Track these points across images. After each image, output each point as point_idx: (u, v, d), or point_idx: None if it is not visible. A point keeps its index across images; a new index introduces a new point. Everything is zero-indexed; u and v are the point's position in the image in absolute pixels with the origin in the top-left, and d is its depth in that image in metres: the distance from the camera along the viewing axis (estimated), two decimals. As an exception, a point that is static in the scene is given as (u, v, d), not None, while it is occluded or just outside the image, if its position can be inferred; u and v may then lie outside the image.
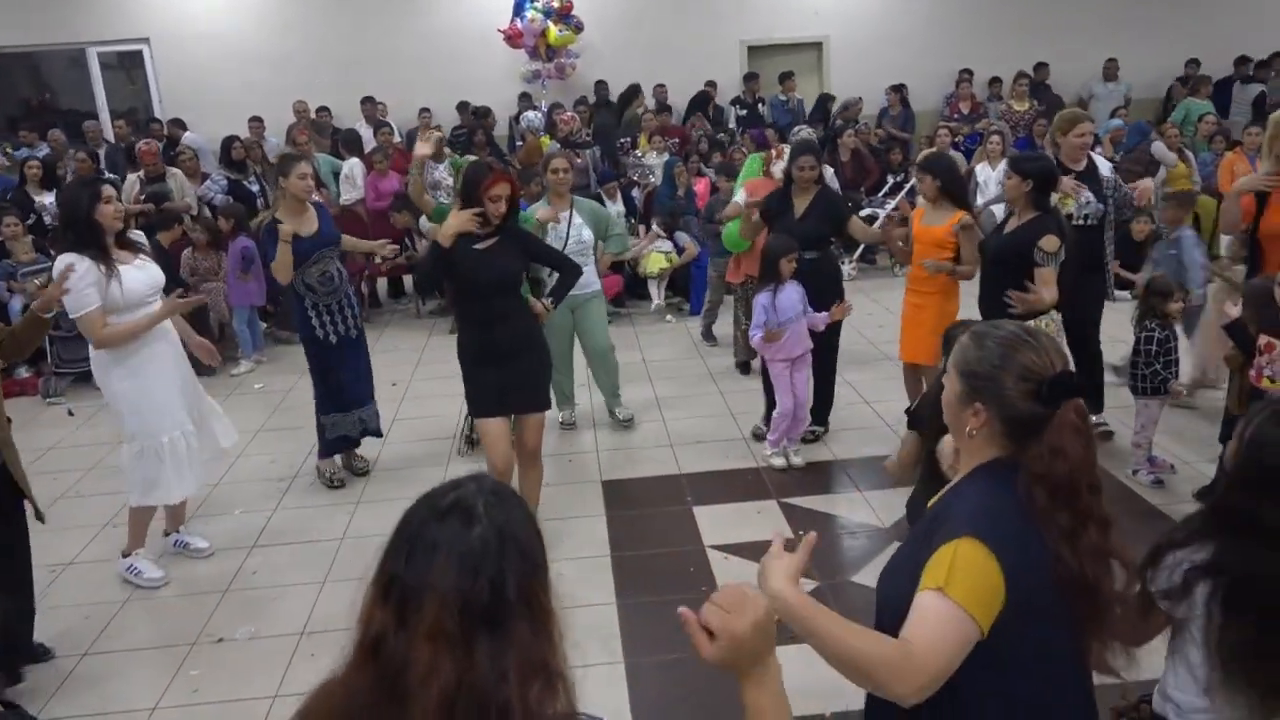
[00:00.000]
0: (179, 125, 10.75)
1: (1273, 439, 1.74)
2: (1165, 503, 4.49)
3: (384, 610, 1.17)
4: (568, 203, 5.55)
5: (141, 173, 8.50)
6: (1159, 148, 9.14)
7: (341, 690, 1.20)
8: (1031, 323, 4.25)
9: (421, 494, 1.27)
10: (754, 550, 4.21)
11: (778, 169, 6.02)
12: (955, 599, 1.50)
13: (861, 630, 1.53)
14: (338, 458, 5.30)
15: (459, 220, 3.90)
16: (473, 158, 7.45)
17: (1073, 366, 1.65)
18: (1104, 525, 1.60)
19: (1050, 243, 4.29)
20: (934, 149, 9.01)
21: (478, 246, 3.97)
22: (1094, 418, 4.94)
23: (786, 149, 6.09)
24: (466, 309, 4.14)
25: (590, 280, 5.57)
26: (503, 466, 4.13)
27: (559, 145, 9.34)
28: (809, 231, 5.11)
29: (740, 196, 6.20)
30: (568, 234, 5.48)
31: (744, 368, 6.75)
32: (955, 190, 4.99)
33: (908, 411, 3.51)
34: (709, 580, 4.03)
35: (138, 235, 4.39)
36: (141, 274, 4.07)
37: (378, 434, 5.42)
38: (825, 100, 11.55)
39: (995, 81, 11.64)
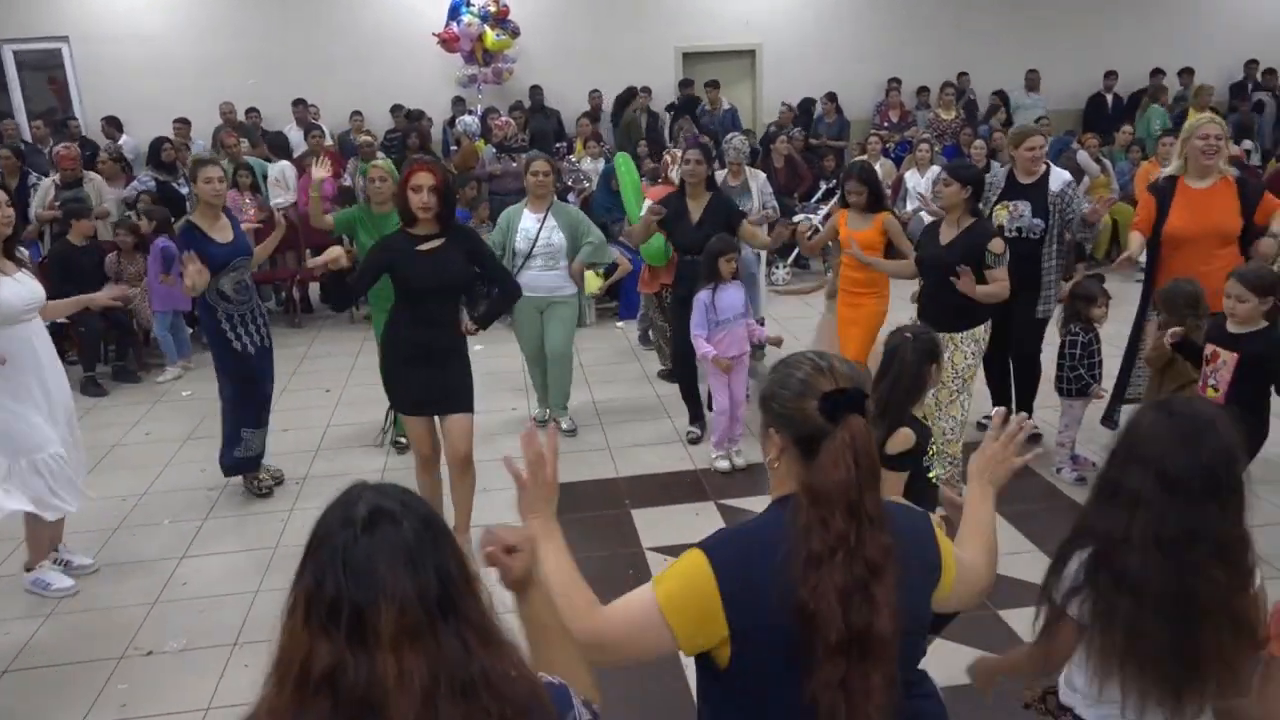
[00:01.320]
0: (115, 126, 10.42)
1: (1146, 421, 1.87)
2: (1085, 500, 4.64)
3: (333, 639, 1.14)
4: (546, 205, 5.55)
5: (57, 177, 8.14)
6: (1083, 157, 9.47)
7: None
8: (981, 327, 4.41)
9: (323, 516, 1.25)
10: (692, 552, 4.26)
11: (675, 174, 6.15)
12: (656, 594, 1.58)
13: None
14: (267, 466, 5.17)
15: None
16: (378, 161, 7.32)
17: (867, 389, 1.60)
18: (862, 567, 1.48)
19: (997, 244, 4.41)
20: (863, 156, 9.20)
21: (421, 247, 3.89)
22: (1028, 420, 5.12)
23: (678, 154, 6.30)
24: (401, 308, 4.03)
25: (562, 284, 5.59)
26: (428, 453, 4.19)
27: (494, 150, 9.32)
28: (705, 236, 5.17)
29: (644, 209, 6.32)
30: (537, 236, 5.48)
31: (669, 375, 6.80)
32: (878, 196, 5.26)
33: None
34: (648, 581, 4.05)
35: (22, 251, 4.24)
36: (21, 289, 3.89)
37: (258, 465, 5.13)
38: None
39: (923, 90, 11.91)
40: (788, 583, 1.47)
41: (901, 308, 5.44)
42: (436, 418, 4.15)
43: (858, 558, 1.47)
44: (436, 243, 3.91)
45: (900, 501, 1.75)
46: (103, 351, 7.33)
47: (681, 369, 5.63)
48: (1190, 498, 1.76)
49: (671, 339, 5.71)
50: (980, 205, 4.73)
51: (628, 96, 11.33)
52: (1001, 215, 4.98)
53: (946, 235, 4.57)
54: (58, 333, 7.03)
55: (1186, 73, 12.06)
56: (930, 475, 2.97)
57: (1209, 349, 3.89)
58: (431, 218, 3.88)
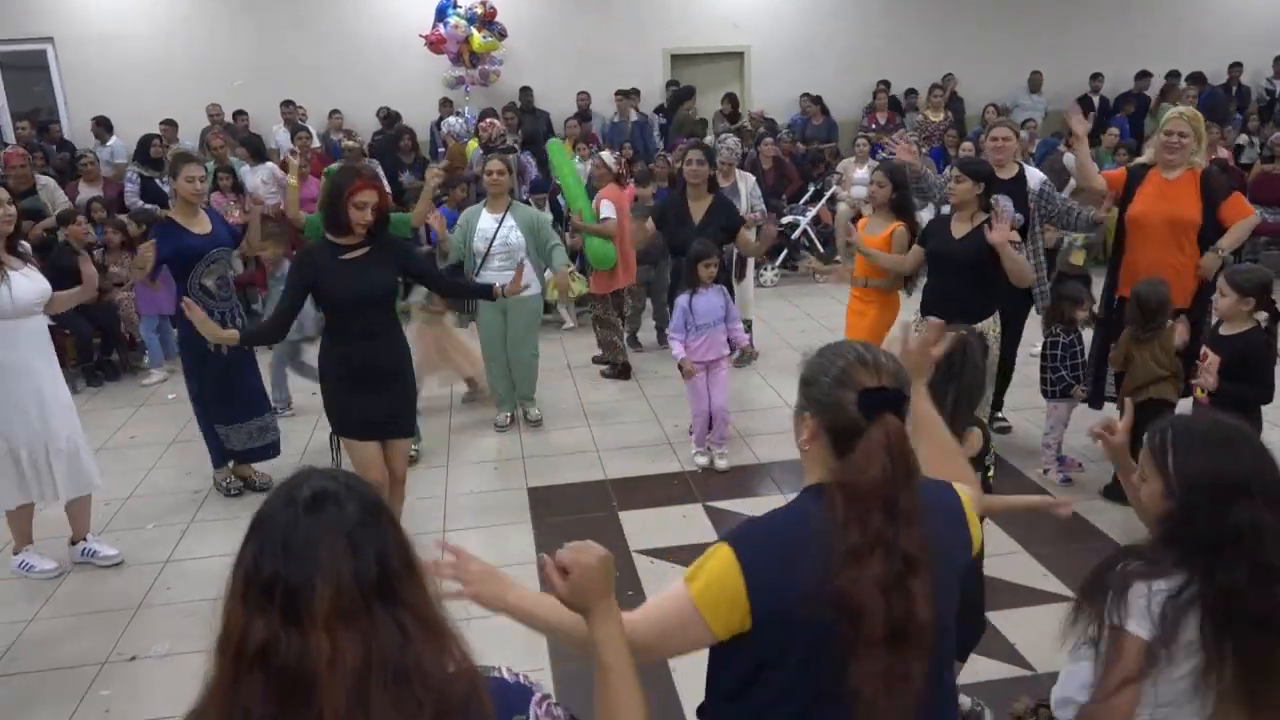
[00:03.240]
0: (105, 127, 10.34)
1: (1202, 457, 1.78)
2: (1074, 500, 4.65)
3: (267, 615, 1.15)
4: (504, 205, 5.56)
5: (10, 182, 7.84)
6: (1070, 158, 9.48)
7: (222, 712, 1.16)
8: (981, 325, 4.41)
9: (268, 496, 1.26)
10: (680, 554, 4.25)
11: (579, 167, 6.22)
12: (691, 591, 1.57)
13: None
14: (231, 464, 5.15)
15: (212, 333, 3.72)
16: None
17: (906, 388, 1.59)
18: (900, 561, 1.49)
19: (1015, 234, 4.46)
20: (851, 158, 9.22)
21: (345, 257, 3.73)
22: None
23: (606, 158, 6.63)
24: (332, 323, 3.84)
25: (525, 281, 5.56)
26: (380, 478, 3.93)
27: (482, 151, 9.30)
28: (707, 237, 5.17)
29: (609, 210, 6.32)
30: (495, 235, 5.48)
31: (613, 374, 6.81)
32: (904, 203, 5.09)
33: None
34: (635, 584, 4.05)
35: (25, 246, 4.26)
36: (29, 282, 3.99)
37: (275, 452, 5.18)
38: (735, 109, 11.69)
39: (911, 93, 11.93)
40: (823, 575, 1.48)
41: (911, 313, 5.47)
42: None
43: (895, 553, 1.49)
44: (360, 252, 3.75)
45: (928, 479, 1.72)
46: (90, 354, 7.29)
47: None
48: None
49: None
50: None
51: (683, 95, 11.33)
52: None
53: (959, 230, 4.55)
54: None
55: (1173, 75, 12.13)
56: (989, 475, 2.98)
57: (1203, 350, 3.91)
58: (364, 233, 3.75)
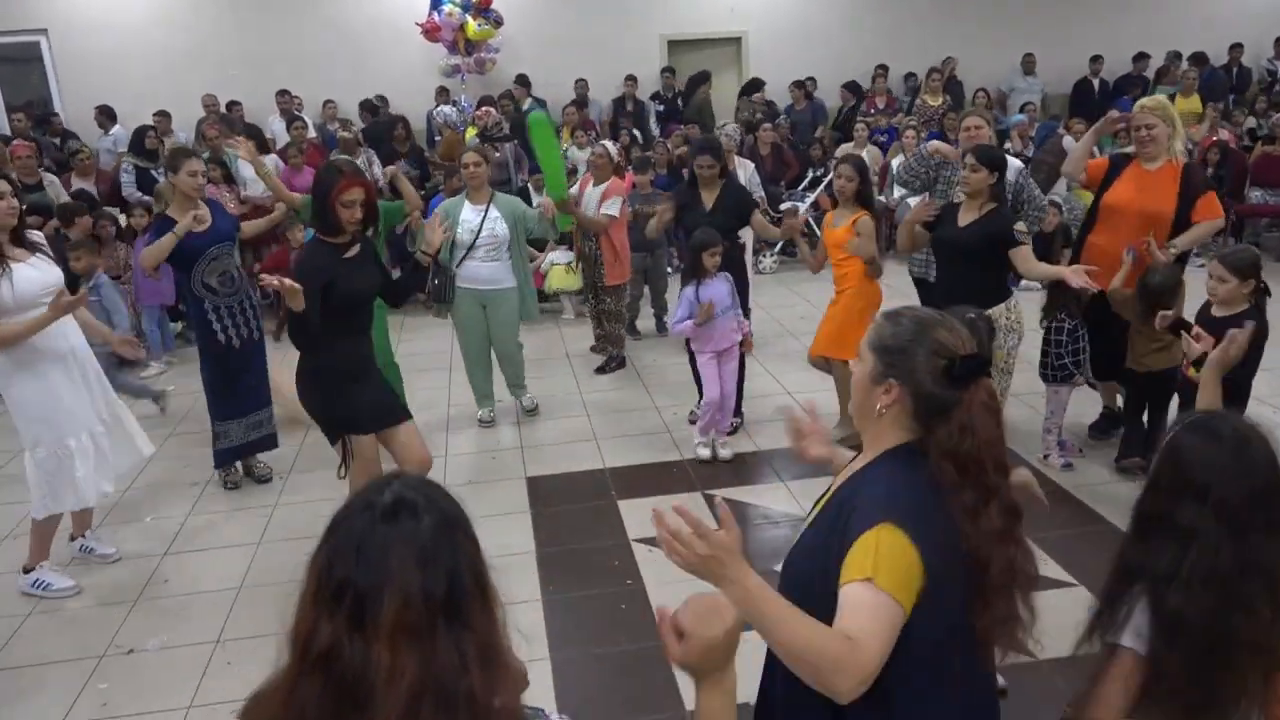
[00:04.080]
0: (109, 116, 10.27)
1: (1189, 445, 1.76)
2: (1077, 485, 4.64)
3: (334, 620, 1.14)
4: (486, 196, 5.54)
5: (15, 177, 7.49)
6: (1069, 142, 9.44)
7: (283, 705, 1.17)
8: (992, 310, 4.37)
9: (349, 499, 1.25)
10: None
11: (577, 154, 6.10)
12: (884, 588, 1.51)
13: (812, 621, 1.51)
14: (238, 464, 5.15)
15: (285, 286, 3.45)
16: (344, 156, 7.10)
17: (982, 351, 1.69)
18: (1009, 511, 1.62)
19: (1022, 225, 4.45)
20: (850, 144, 9.17)
21: (346, 256, 3.73)
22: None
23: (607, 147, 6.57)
24: (337, 323, 3.69)
25: (503, 276, 5.57)
26: (379, 471, 3.86)
27: (477, 140, 9.25)
28: (719, 224, 5.14)
29: (614, 208, 6.33)
30: (481, 227, 5.46)
31: (618, 362, 6.81)
32: (867, 194, 5.11)
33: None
34: (634, 574, 4.04)
35: (36, 235, 4.13)
36: (36, 273, 3.87)
37: (274, 444, 5.18)
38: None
39: (910, 76, 11.87)
40: (953, 531, 1.59)
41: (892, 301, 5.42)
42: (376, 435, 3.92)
43: (1005, 505, 1.61)
44: (354, 250, 3.79)
45: None
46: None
47: (693, 354, 5.59)
48: (1250, 529, 1.67)
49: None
50: (1004, 191, 4.67)
51: (699, 79, 11.31)
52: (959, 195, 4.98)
53: (965, 218, 4.49)
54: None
55: (1174, 56, 12.07)
56: None
57: (1195, 330, 3.88)
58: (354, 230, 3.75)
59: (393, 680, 1.12)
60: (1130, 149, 4.86)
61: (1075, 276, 4.16)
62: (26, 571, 4.14)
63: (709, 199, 5.33)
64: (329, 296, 3.64)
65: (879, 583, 1.51)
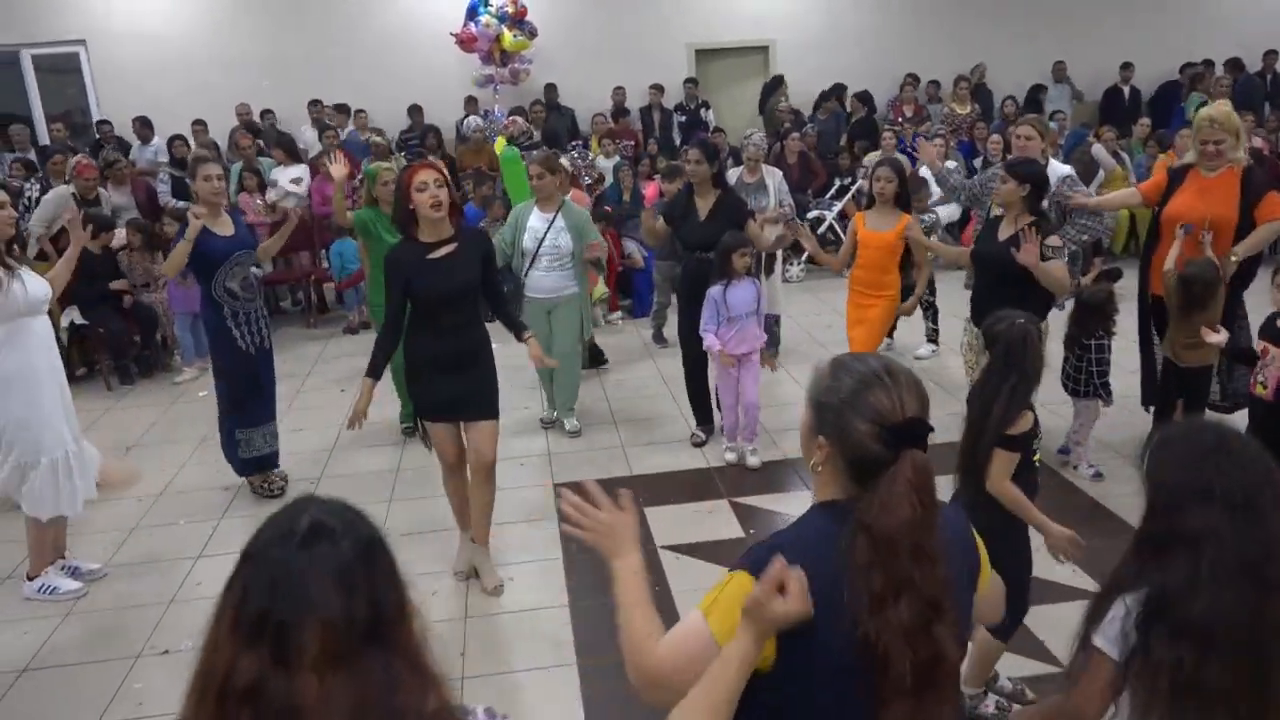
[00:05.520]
0: (148, 127, 10.41)
1: (1174, 457, 1.76)
2: (1105, 495, 4.61)
3: (255, 653, 1.11)
4: (554, 206, 5.59)
5: (74, 189, 7.64)
6: (1099, 150, 9.38)
7: None
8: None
9: (262, 525, 1.22)
10: (706, 550, 4.25)
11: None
12: (711, 627, 1.50)
13: (650, 616, 1.60)
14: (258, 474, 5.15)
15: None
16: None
17: (925, 416, 1.51)
18: (927, 606, 1.42)
19: (1054, 240, 4.31)
20: (877, 152, 9.15)
21: (432, 256, 3.73)
22: None
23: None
24: (418, 317, 3.84)
25: (566, 284, 5.63)
26: (454, 460, 4.05)
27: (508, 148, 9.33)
28: (714, 233, 5.14)
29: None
30: (544, 237, 5.51)
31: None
32: (906, 197, 5.08)
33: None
34: (661, 580, 4.05)
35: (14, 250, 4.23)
36: (35, 282, 3.98)
37: (275, 463, 5.20)
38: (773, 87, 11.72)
39: (932, 83, 11.79)
40: (849, 619, 1.42)
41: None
42: (461, 424, 4.02)
43: (921, 597, 1.42)
44: (449, 248, 3.75)
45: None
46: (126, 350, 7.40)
47: (691, 369, 5.60)
48: (1260, 513, 1.65)
49: (681, 340, 5.67)
50: (1045, 204, 4.56)
51: (773, 85, 11.47)
52: (997, 207, 4.95)
53: (1005, 232, 4.41)
54: (79, 335, 7.14)
55: (1207, 64, 11.95)
56: (1035, 457, 2.99)
57: (1260, 345, 3.83)
58: (443, 215, 3.70)
59: (325, 710, 1.09)
60: (1188, 158, 4.79)
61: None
62: (30, 579, 4.20)
63: (704, 207, 5.31)
64: (409, 293, 3.75)
65: (709, 620, 1.51)
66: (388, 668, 1.14)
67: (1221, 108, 4.69)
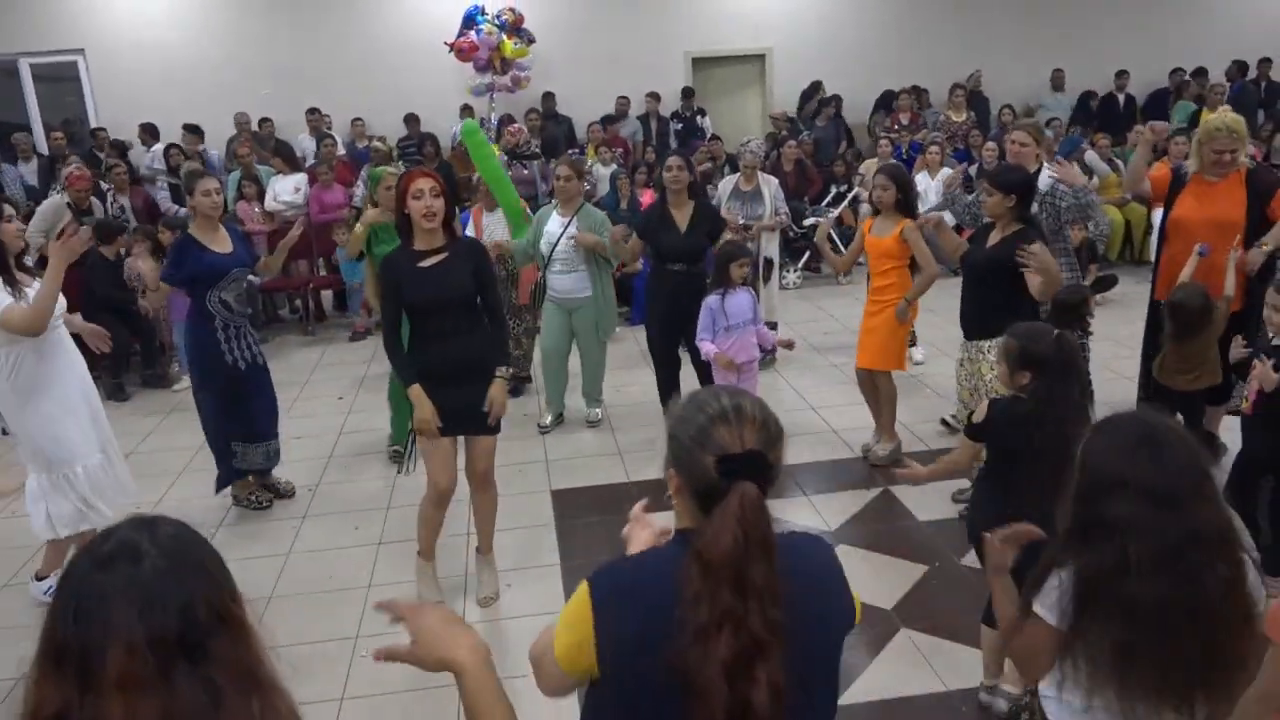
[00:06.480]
0: (151, 134, 10.43)
1: (1095, 448, 1.82)
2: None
3: (59, 682, 1.08)
4: (573, 209, 5.65)
5: (67, 199, 7.67)
6: (1092, 156, 9.44)
7: None
8: (992, 342, 4.22)
9: (77, 550, 1.19)
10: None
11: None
12: (555, 632, 1.55)
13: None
14: (250, 478, 5.12)
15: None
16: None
17: (769, 450, 1.51)
18: (751, 645, 1.39)
19: (1036, 247, 4.16)
20: (874, 159, 9.18)
21: (423, 264, 3.70)
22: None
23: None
24: (414, 325, 3.83)
25: (580, 287, 5.71)
26: (446, 487, 3.91)
27: (507, 157, 9.35)
28: (693, 245, 5.16)
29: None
30: (558, 240, 5.59)
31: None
32: (909, 203, 5.05)
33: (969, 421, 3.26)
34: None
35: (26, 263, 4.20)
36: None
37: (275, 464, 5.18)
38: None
39: (920, 91, 11.71)
40: (673, 647, 1.40)
41: (927, 316, 5.41)
42: (460, 440, 3.95)
43: (743, 632, 1.39)
44: (439, 258, 3.72)
45: (800, 533, 1.70)
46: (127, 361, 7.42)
47: (662, 375, 5.64)
48: (1183, 504, 1.72)
49: (655, 349, 5.67)
50: (1033, 210, 4.53)
51: (812, 91, 11.64)
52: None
53: (993, 239, 4.42)
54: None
55: (1200, 72, 12.00)
56: None
57: (1254, 362, 3.81)
58: (436, 226, 3.68)
59: None
60: (1191, 166, 4.78)
61: None
62: (40, 579, 4.21)
63: (681, 219, 5.32)
64: (400, 300, 3.74)
65: (556, 625, 1.56)
66: (206, 683, 1.10)
67: (1235, 118, 4.64)
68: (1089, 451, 1.83)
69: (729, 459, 1.46)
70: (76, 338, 4.27)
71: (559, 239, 5.60)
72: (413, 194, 3.66)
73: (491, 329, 3.91)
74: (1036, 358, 2.90)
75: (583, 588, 1.52)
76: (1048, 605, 1.86)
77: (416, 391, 3.76)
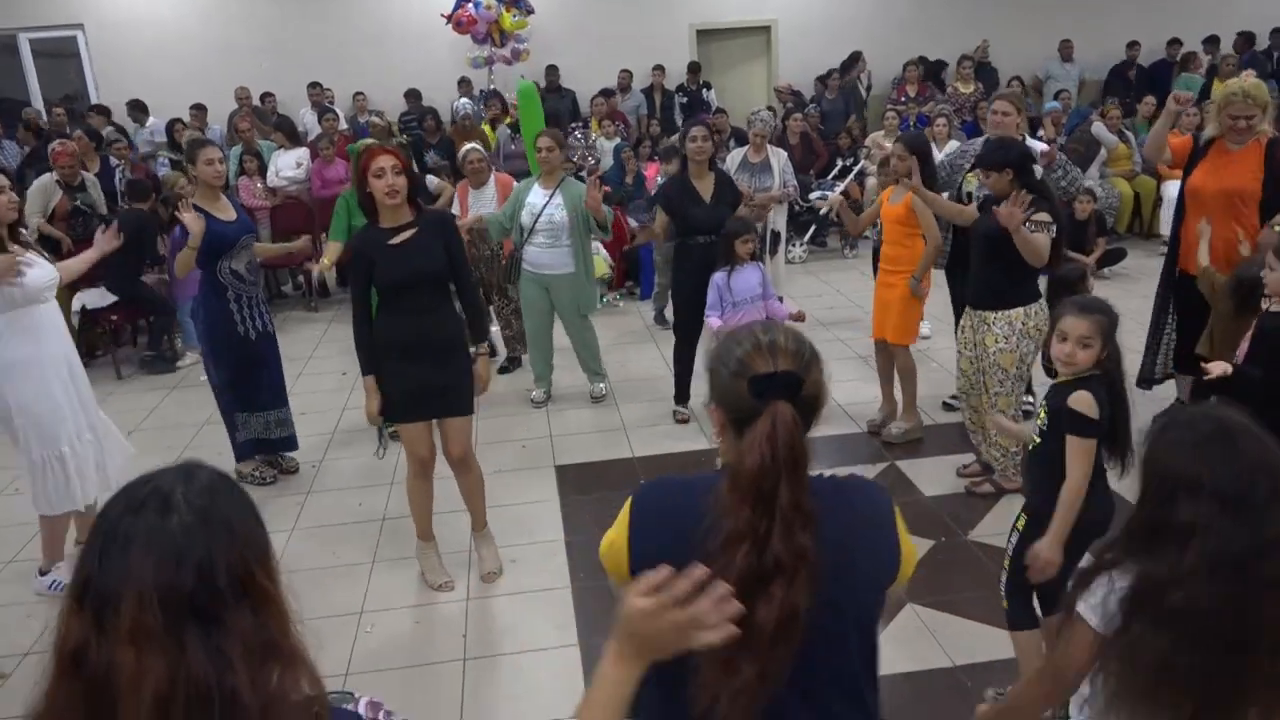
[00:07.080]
0: (141, 110, 10.40)
1: (1166, 445, 1.72)
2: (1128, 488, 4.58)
3: (80, 618, 1.08)
4: (555, 181, 5.61)
5: (58, 178, 7.57)
6: (1099, 128, 9.34)
7: (45, 710, 1.10)
8: (1011, 313, 4.26)
9: (122, 486, 1.17)
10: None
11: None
12: (605, 538, 1.60)
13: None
14: (258, 457, 5.13)
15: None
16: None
17: (802, 370, 1.49)
18: (772, 560, 1.37)
19: (1043, 215, 4.17)
20: (880, 131, 9.10)
21: (393, 241, 3.64)
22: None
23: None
24: (384, 301, 3.74)
25: (564, 262, 5.63)
26: (426, 455, 3.87)
27: (510, 131, 9.29)
28: (720, 216, 5.12)
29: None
30: (542, 211, 5.53)
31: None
32: (928, 174, 4.91)
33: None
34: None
35: (24, 235, 4.17)
36: (37, 270, 3.89)
37: (293, 445, 5.19)
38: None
39: (924, 61, 11.59)
40: (702, 555, 1.38)
41: (935, 292, 5.37)
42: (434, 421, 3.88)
43: (765, 551, 1.38)
44: (408, 233, 3.65)
45: (860, 477, 1.65)
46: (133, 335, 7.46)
47: (681, 350, 5.59)
48: (1256, 510, 1.60)
49: (676, 322, 5.63)
50: (1041, 179, 4.45)
51: (851, 62, 11.50)
52: (971, 182, 4.91)
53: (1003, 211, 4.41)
54: (93, 319, 7.11)
55: (1211, 41, 11.86)
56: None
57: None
58: (400, 202, 3.62)
59: (136, 685, 1.04)
60: (1210, 132, 4.68)
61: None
62: (43, 574, 4.19)
63: (705, 190, 5.28)
64: (372, 279, 3.69)
65: (607, 533, 1.60)
66: (215, 650, 1.08)
67: (1257, 83, 4.53)
68: (1152, 454, 1.73)
69: (760, 379, 1.46)
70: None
71: (541, 211, 5.54)
72: (374, 172, 3.58)
73: (464, 304, 3.90)
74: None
75: (629, 501, 1.59)
76: (1092, 606, 1.76)
77: (370, 384, 3.74)
